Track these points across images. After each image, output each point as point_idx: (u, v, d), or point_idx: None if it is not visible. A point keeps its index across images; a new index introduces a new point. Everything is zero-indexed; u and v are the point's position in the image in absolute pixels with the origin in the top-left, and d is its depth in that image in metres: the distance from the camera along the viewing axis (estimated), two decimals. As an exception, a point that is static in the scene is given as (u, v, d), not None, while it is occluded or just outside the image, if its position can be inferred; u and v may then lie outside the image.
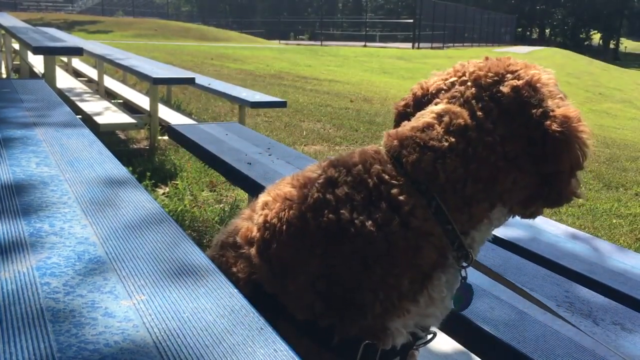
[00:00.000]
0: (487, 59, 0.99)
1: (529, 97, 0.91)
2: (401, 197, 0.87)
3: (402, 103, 1.05)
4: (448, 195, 0.88)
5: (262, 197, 1.01)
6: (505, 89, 0.91)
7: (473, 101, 0.92)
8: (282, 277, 0.90)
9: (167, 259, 0.88)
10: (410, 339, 0.93)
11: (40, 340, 0.65)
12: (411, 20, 35.00)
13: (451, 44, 33.04)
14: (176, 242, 0.95)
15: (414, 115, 0.99)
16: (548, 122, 0.88)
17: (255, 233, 0.95)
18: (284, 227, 0.91)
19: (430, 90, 1.00)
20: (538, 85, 0.92)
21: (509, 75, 0.93)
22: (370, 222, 0.85)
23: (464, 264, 0.91)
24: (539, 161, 0.89)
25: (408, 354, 0.99)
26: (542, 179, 0.90)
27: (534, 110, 0.89)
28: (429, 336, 0.98)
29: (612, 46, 56.32)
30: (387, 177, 0.89)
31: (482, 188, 0.89)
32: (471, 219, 0.90)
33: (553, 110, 0.89)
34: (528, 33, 58.64)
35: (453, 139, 0.89)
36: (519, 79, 0.92)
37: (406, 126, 0.95)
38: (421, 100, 1.01)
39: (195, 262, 0.88)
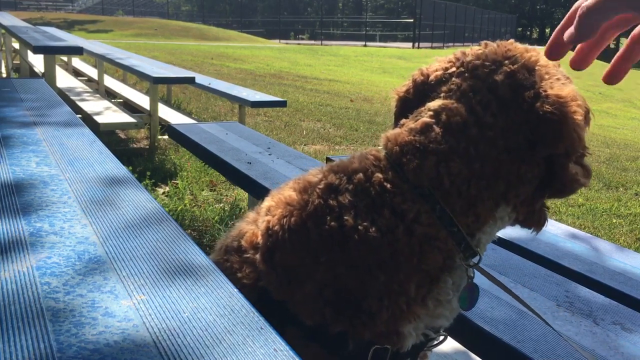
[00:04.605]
0: (486, 45, 0.93)
1: (522, 81, 0.86)
2: (404, 206, 0.85)
3: (404, 89, 1.00)
4: (453, 198, 0.85)
5: (267, 201, 0.99)
6: (499, 77, 0.87)
7: (470, 94, 0.87)
8: (289, 284, 0.89)
9: (167, 259, 0.88)
10: (423, 339, 0.93)
11: (40, 340, 0.65)
12: (411, 20, 35.00)
13: (451, 44, 33.01)
14: (176, 241, 0.95)
15: (414, 102, 0.95)
16: (539, 104, 0.83)
17: (259, 239, 0.94)
18: (287, 235, 0.90)
19: (430, 79, 0.94)
20: (536, 67, 0.87)
21: (506, 61, 0.88)
22: (374, 229, 0.84)
23: (472, 263, 0.89)
24: (535, 146, 0.85)
25: (419, 355, 0.98)
26: (547, 168, 0.86)
27: (526, 93, 0.85)
28: (441, 337, 0.98)
29: (612, 46, 56.27)
30: (389, 185, 0.86)
31: (486, 186, 0.85)
32: (477, 220, 0.88)
33: (545, 91, 0.84)
34: (528, 33, 58.62)
35: (453, 140, 0.85)
36: (514, 64, 0.88)
37: (404, 127, 0.92)
38: (421, 88, 0.96)
39: (196, 261, 0.88)
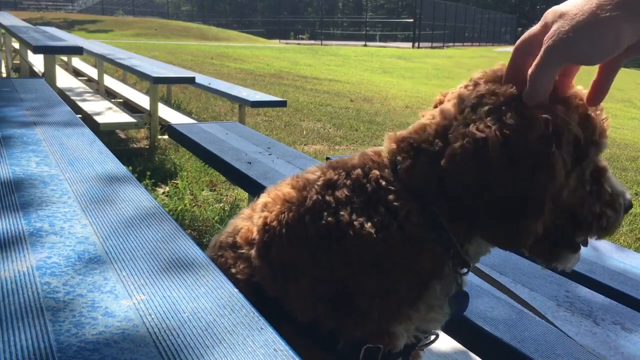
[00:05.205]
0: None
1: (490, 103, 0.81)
2: (396, 203, 0.85)
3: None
4: (442, 201, 0.84)
5: (262, 198, 1.00)
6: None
7: (463, 98, 0.85)
8: (284, 280, 0.89)
9: (167, 259, 0.88)
10: (414, 340, 0.93)
11: (40, 340, 0.65)
12: (411, 20, 35.02)
13: (451, 44, 33.05)
14: (176, 241, 0.95)
15: None
16: (452, 135, 0.80)
17: (255, 235, 0.94)
18: (284, 230, 0.90)
19: (447, 98, 0.91)
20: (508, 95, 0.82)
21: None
22: (369, 224, 0.84)
23: (462, 271, 0.88)
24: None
25: (412, 355, 0.98)
26: None
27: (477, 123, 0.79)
28: (432, 337, 0.98)
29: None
30: (384, 182, 0.87)
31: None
32: (466, 230, 0.86)
33: (477, 122, 0.79)
34: (528, 33, 58.55)
35: (441, 143, 0.83)
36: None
37: (408, 128, 0.92)
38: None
39: (196, 261, 0.88)
